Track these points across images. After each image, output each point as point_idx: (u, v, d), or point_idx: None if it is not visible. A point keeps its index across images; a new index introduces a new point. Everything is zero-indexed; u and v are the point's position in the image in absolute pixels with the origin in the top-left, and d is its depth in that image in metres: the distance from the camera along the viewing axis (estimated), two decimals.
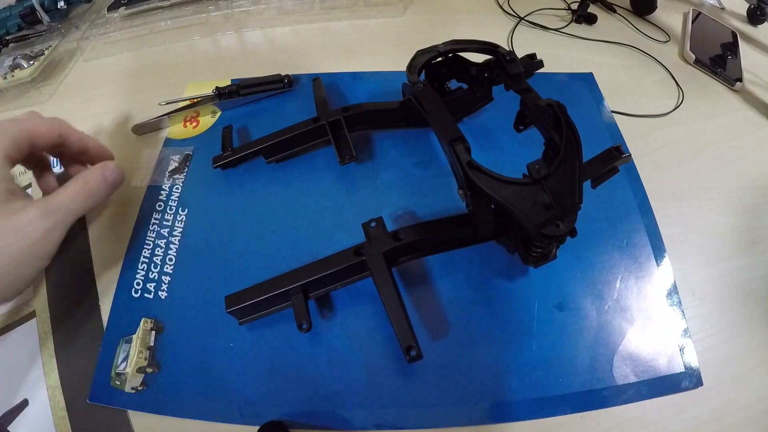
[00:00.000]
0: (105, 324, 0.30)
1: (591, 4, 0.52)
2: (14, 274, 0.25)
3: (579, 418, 0.27)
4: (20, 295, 0.31)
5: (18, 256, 0.25)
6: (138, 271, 0.32)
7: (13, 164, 0.27)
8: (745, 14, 0.55)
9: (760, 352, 0.30)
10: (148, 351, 0.29)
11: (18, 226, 0.25)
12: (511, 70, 0.32)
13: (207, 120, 0.40)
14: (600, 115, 0.41)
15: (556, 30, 0.50)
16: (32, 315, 0.31)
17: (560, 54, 0.47)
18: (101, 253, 0.33)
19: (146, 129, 0.40)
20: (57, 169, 0.33)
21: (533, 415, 0.27)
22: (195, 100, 0.40)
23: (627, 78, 0.45)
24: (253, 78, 0.41)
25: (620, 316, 0.30)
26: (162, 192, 0.36)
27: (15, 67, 0.44)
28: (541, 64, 0.34)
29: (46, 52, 0.46)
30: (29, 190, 0.37)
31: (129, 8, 0.50)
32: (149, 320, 0.30)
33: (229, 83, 0.42)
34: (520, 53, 0.33)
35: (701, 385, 0.28)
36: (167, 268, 0.32)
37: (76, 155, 0.32)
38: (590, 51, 0.48)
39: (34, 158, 0.32)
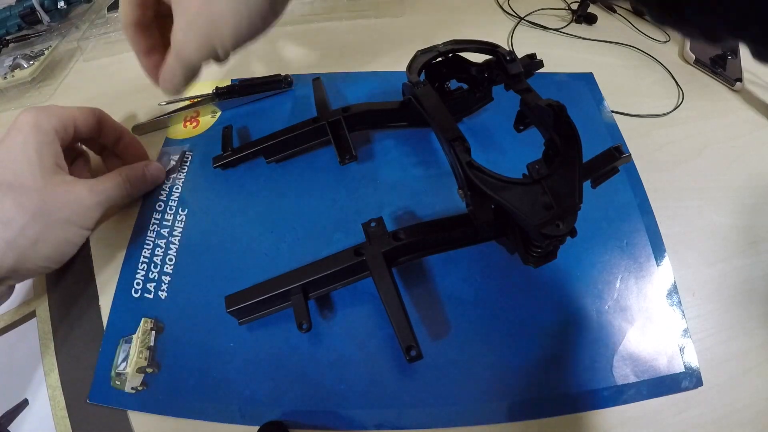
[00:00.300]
0: (105, 324, 0.30)
1: (591, 4, 0.52)
2: (65, 239, 0.29)
3: (579, 418, 0.27)
4: (21, 295, 0.32)
5: (69, 224, 0.28)
6: (138, 271, 0.32)
7: (62, 144, 0.30)
8: None
9: (760, 352, 0.30)
10: (148, 351, 0.29)
11: (70, 198, 0.28)
12: (511, 70, 0.32)
13: (207, 120, 0.40)
14: (600, 115, 0.41)
15: (556, 30, 0.50)
16: (32, 315, 0.31)
17: (560, 54, 0.47)
18: (101, 253, 0.33)
19: (147, 129, 0.40)
20: None
21: (533, 415, 0.27)
22: (195, 100, 0.40)
23: (627, 78, 0.45)
24: (253, 78, 0.41)
25: (620, 316, 0.30)
26: (162, 192, 0.36)
27: (15, 67, 0.44)
28: (541, 64, 0.34)
29: (46, 52, 0.46)
30: None
31: None
32: (149, 320, 0.30)
33: (229, 83, 0.42)
34: (520, 53, 0.33)
35: (701, 385, 0.28)
36: (167, 268, 0.32)
37: (111, 144, 0.34)
38: (590, 51, 0.48)
39: (72, 152, 0.34)
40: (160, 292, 0.31)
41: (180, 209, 0.35)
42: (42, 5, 0.47)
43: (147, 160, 0.37)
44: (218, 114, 0.41)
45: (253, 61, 0.46)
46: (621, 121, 0.40)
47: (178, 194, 0.36)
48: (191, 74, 0.27)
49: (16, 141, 0.27)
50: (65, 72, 0.47)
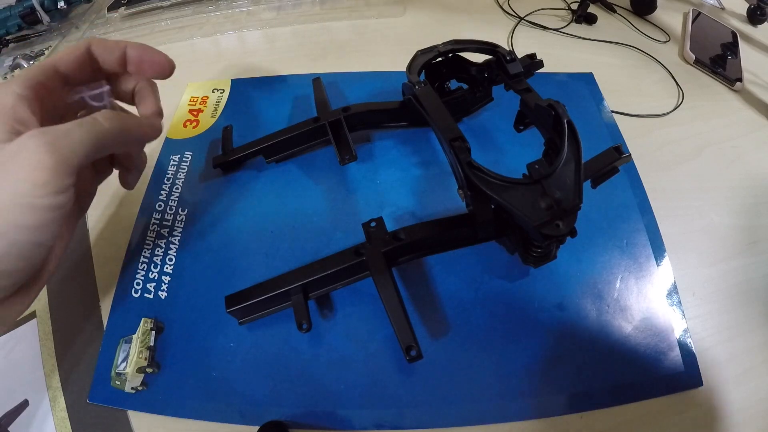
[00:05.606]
0: (105, 324, 0.30)
1: (591, 4, 0.52)
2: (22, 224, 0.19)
3: (579, 418, 0.27)
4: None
5: (21, 207, 0.19)
6: (138, 271, 0.32)
7: (47, 101, 0.23)
8: (745, 14, 0.55)
9: (760, 352, 0.30)
10: (148, 351, 0.29)
11: (17, 168, 0.19)
12: (511, 70, 0.32)
13: (207, 120, 0.41)
14: (600, 115, 0.41)
15: (556, 30, 0.50)
16: (32, 315, 0.31)
17: (560, 54, 0.47)
18: (101, 253, 0.33)
19: None
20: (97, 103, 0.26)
21: (533, 415, 0.27)
22: None
23: (627, 78, 0.45)
24: None
25: (620, 316, 0.30)
26: (162, 192, 0.36)
27: (15, 67, 0.44)
28: (541, 64, 0.34)
29: (46, 52, 0.46)
30: None
31: (129, 8, 0.51)
32: (149, 320, 0.30)
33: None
34: (520, 53, 0.33)
35: (701, 385, 0.28)
36: (167, 268, 0.32)
37: (117, 68, 0.26)
38: (590, 51, 0.48)
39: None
40: (160, 292, 0.31)
41: (180, 209, 0.35)
42: (42, 5, 0.47)
43: (169, 66, 0.28)
44: (219, 112, 0.41)
45: (254, 62, 0.46)
46: (621, 121, 0.40)
47: (178, 194, 0.36)
48: None
49: None
50: None
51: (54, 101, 0.24)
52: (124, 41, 0.26)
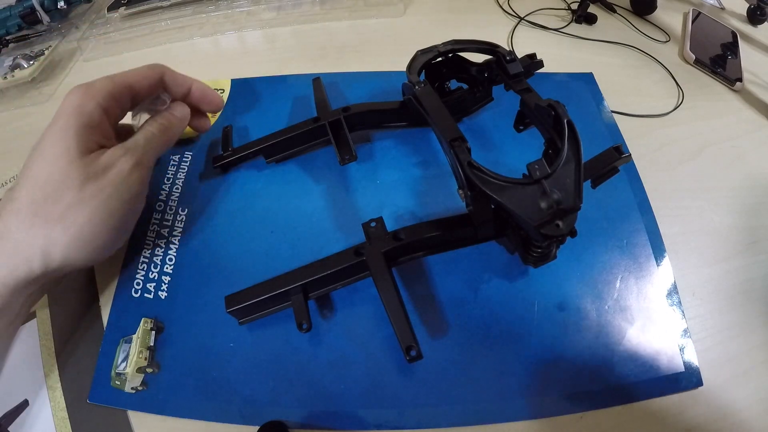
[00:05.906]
0: (105, 324, 0.30)
1: (591, 4, 0.52)
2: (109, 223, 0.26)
3: (579, 418, 0.27)
4: None
5: (108, 200, 0.25)
6: (138, 271, 0.32)
7: (118, 115, 0.29)
8: (745, 14, 0.55)
9: (760, 352, 0.30)
10: (148, 351, 0.29)
11: (97, 169, 0.25)
12: (511, 70, 0.32)
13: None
14: (600, 115, 0.41)
15: (556, 30, 0.50)
16: (32, 315, 0.31)
17: (560, 54, 0.47)
18: None
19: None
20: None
21: (533, 415, 0.27)
22: None
23: (627, 78, 0.45)
24: None
25: (620, 316, 0.30)
26: (162, 192, 0.36)
27: (15, 67, 0.44)
28: (541, 64, 0.34)
29: (46, 52, 0.46)
30: None
31: (129, 8, 0.50)
32: (149, 320, 0.30)
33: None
34: (520, 53, 0.33)
35: (701, 385, 0.28)
36: (167, 268, 0.32)
37: (180, 98, 0.33)
38: (590, 51, 0.48)
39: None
40: (160, 292, 0.31)
41: (180, 209, 0.35)
42: (42, 5, 0.47)
43: (221, 105, 0.36)
44: (218, 114, 0.41)
45: (254, 62, 0.46)
46: (621, 121, 0.40)
47: (178, 194, 0.36)
48: None
49: (56, 128, 0.25)
50: (65, 72, 0.47)
51: (119, 112, 0.29)
52: (190, 78, 0.33)
